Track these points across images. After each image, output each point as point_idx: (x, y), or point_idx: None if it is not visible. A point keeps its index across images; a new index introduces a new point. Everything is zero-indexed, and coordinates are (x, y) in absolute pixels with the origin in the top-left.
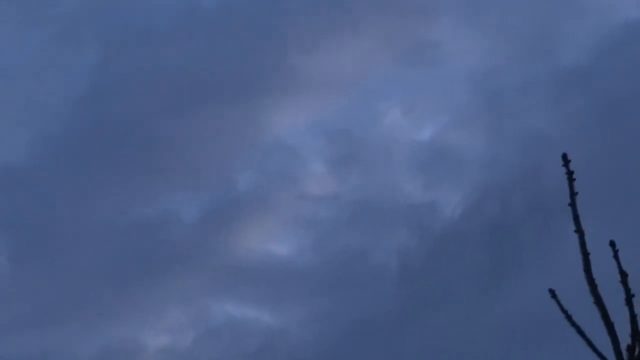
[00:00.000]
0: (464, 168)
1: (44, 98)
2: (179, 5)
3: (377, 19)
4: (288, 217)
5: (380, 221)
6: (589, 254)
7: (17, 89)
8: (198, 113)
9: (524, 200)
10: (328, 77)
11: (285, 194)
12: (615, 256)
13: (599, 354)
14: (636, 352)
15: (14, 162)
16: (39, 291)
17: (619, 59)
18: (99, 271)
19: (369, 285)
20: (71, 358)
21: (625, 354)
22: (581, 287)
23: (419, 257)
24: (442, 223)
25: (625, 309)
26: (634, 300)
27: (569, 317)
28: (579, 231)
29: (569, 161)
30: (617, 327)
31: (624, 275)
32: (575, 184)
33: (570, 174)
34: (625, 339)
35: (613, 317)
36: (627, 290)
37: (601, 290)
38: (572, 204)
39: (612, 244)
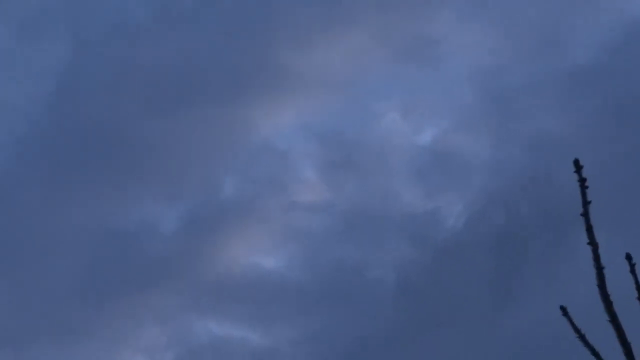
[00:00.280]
0: (467, 174)
1: (8, 98)
2: None
3: (374, 12)
4: (277, 228)
5: (377, 232)
6: (603, 268)
7: None
8: (178, 114)
9: (532, 208)
10: (320, 75)
11: (273, 202)
12: (632, 270)
13: None
14: None
15: None
16: (3, 308)
17: (635, 56)
18: (70, 286)
19: (365, 302)
20: None
21: None
22: (595, 304)
23: (418, 271)
24: (444, 233)
25: None
26: None
27: (582, 337)
28: (593, 243)
29: (582, 167)
30: (634, 348)
31: None
32: (589, 191)
33: (582, 181)
34: None
35: (630, 336)
36: None
37: (617, 307)
38: (585, 214)
39: (629, 257)
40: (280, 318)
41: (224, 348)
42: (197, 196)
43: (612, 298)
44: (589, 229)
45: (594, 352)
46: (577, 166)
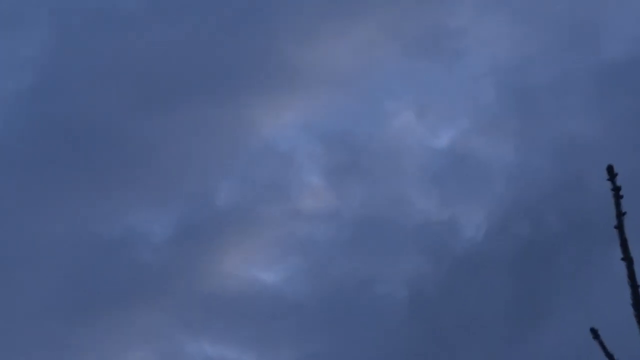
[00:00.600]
0: (488, 180)
1: None
2: None
3: (385, 2)
4: (277, 238)
5: (387, 243)
6: (638, 286)
7: None
8: (171, 112)
9: (559, 219)
10: (327, 71)
11: (274, 210)
12: None
13: None
14: None
15: None
16: None
17: None
18: (50, 300)
19: (374, 321)
20: None
21: None
22: (629, 326)
23: (433, 287)
24: (461, 246)
25: None
26: None
27: None
28: (627, 258)
29: (616, 175)
30: None
31: None
32: (623, 201)
33: (616, 190)
34: None
35: None
36: None
37: None
38: (619, 226)
39: None
40: (279, 338)
41: None
42: (191, 202)
43: None
44: (624, 243)
45: None
46: (611, 173)
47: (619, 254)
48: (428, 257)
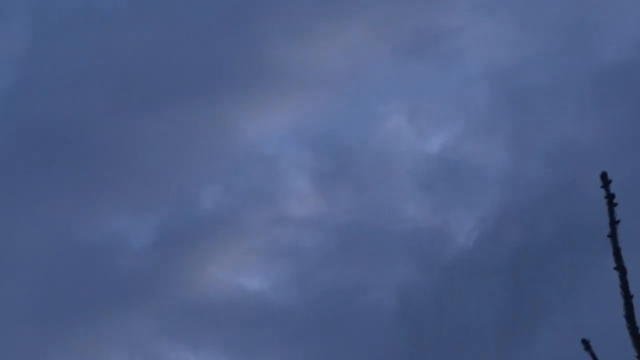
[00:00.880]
0: (480, 186)
1: None
2: None
3: (375, 1)
4: (263, 245)
5: (376, 250)
6: (632, 296)
7: None
8: (153, 113)
9: (553, 226)
10: (315, 72)
11: (259, 216)
12: None
13: None
14: None
15: None
16: None
17: None
18: (26, 307)
19: (362, 330)
20: None
21: None
22: (621, 337)
23: (423, 295)
24: (452, 253)
25: None
26: None
27: None
28: (620, 268)
29: (610, 182)
30: None
31: None
32: (617, 209)
33: (610, 197)
34: None
35: None
36: None
37: None
38: (613, 235)
39: None
40: (264, 346)
41: None
42: (173, 207)
43: None
44: (617, 252)
45: None
46: (605, 180)
47: (612, 263)
48: (418, 264)
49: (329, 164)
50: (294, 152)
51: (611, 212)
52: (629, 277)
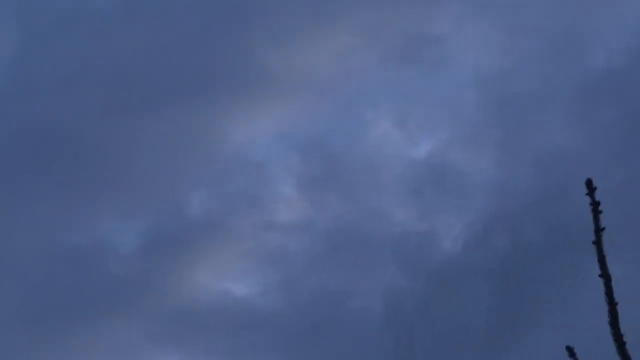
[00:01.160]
0: (468, 192)
1: None
2: None
3: (364, 7)
4: (250, 250)
5: (363, 256)
6: (616, 304)
7: None
8: (140, 118)
9: (540, 232)
10: (303, 77)
11: (247, 221)
12: None
13: None
14: None
15: None
16: None
17: None
18: (11, 312)
19: (349, 335)
20: None
21: None
22: (606, 344)
23: (410, 300)
24: (440, 258)
25: None
26: None
27: None
28: (605, 276)
29: (595, 189)
30: None
31: None
32: (603, 216)
33: (596, 205)
34: None
35: None
36: None
37: (631, 348)
38: (598, 243)
39: None
40: (252, 352)
41: None
42: (160, 212)
43: (625, 339)
44: (602, 260)
45: None
46: (590, 188)
47: (597, 270)
48: (405, 269)
49: (317, 170)
50: (282, 158)
51: (596, 220)
52: (614, 284)
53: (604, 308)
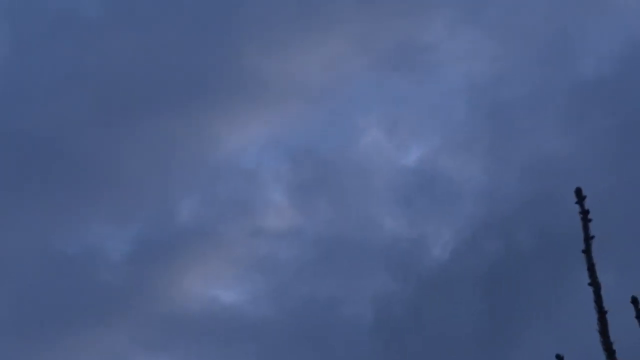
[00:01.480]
0: (457, 199)
1: None
2: None
3: (355, 14)
4: (240, 257)
5: (353, 262)
6: (606, 312)
7: None
8: (130, 124)
9: (530, 239)
10: (293, 84)
11: (236, 228)
12: (638, 316)
13: None
14: None
15: None
16: None
17: None
18: (3, 319)
19: (339, 342)
20: None
21: None
22: (596, 352)
23: (400, 307)
24: (429, 264)
25: None
26: None
27: None
28: (594, 284)
29: (584, 197)
30: None
31: None
32: (592, 225)
33: (585, 213)
34: None
35: None
36: None
37: (620, 357)
38: (587, 251)
39: (635, 300)
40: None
41: None
42: (150, 219)
43: (615, 347)
44: (591, 268)
45: None
46: (579, 196)
47: (586, 278)
48: (395, 276)
49: (307, 177)
50: (272, 165)
51: (585, 228)
52: (603, 292)
53: (594, 316)
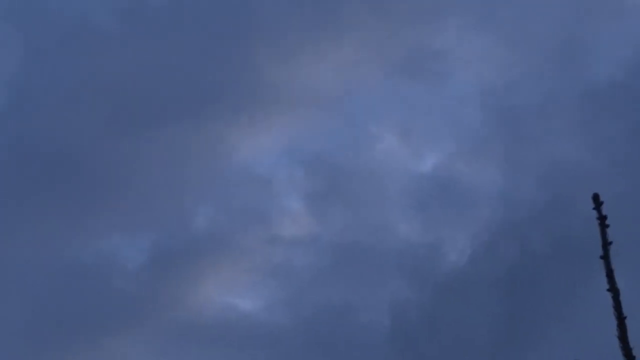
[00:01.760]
0: (473, 204)
1: None
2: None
3: (369, 21)
4: (255, 264)
5: (369, 269)
6: (625, 317)
7: None
8: (145, 133)
9: (545, 243)
10: (308, 91)
11: (252, 236)
12: None
13: None
14: None
15: None
16: None
17: None
18: (20, 329)
19: (355, 350)
20: None
21: None
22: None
23: (416, 313)
24: (446, 270)
25: None
26: None
27: None
28: (613, 289)
29: (602, 203)
30: None
31: None
32: (610, 230)
33: (602, 219)
34: None
35: None
36: None
37: None
38: (605, 257)
39: None
40: None
41: None
42: (166, 227)
43: (634, 352)
44: (610, 274)
45: None
46: (597, 202)
47: (605, 284)
48: (411, 282)
49: (322, 184)
50: (286, 172)
51: (603, 234)
52: (622, 297)
53: (611, 321)
